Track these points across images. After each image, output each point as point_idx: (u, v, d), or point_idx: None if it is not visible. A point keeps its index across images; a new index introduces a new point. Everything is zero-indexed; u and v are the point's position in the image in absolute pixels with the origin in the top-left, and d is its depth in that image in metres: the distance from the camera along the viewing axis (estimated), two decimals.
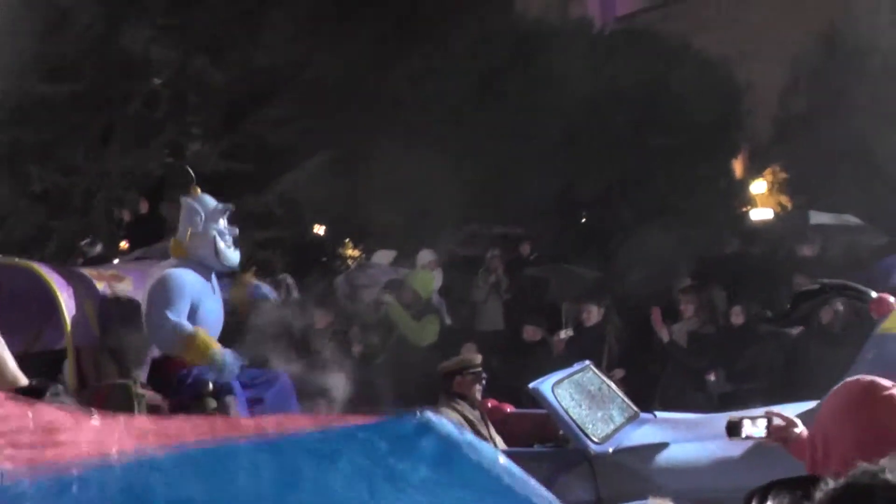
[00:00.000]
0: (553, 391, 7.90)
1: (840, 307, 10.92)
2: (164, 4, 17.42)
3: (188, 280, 8.23)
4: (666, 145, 18.83)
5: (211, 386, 7.93)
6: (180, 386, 8.04)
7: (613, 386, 8.79)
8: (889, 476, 1.65)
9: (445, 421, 1.46)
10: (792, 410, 3.59)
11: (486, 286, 14.07)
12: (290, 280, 12.97)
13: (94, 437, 1.73)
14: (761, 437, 3.21)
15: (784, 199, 24.02)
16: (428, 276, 12.29)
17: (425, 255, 14.35)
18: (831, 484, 1.70)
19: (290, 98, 17.92)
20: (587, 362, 8.86)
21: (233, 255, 8.57)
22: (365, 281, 13.17)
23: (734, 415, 3.36)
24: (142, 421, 1.87)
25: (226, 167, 17.76)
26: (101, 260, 14.85)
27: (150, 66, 17.30)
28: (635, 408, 8.64)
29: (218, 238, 8.42)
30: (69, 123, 17.43)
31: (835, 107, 19.81)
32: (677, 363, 11.67)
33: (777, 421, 3.16)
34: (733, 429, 3.21)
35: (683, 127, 19.09)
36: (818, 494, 1.71)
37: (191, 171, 8.89)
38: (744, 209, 23.80)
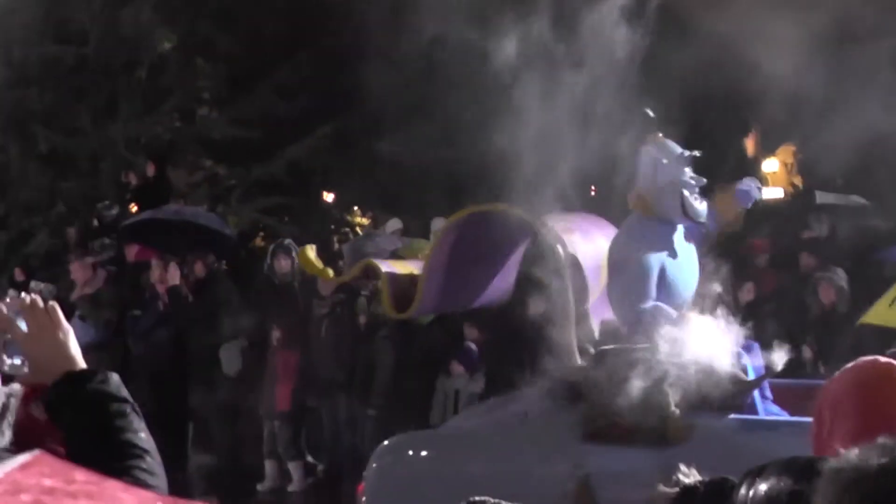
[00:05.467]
0: None
1: (844, 285, 10.84)
2: None
3: (653, 259, 7.48)
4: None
5: None
6: None
7: None
8: None
9: None
10: None
11: None
12: (294, 248, 12.94)
13: None
14: None
15: (797, 179, 23.92)
16: (426, 246, 12.13)
17: (438, 223, 14.23)
18: (837, 463, 1.64)
19: (299, 66, 17.86)
20: None
21: (701, 208, 7.63)
22: (371, 249, 13.08)
23: None
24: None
25: (234, 133, 17.75)
26: (116, 222, 14.86)
27: (157, 32, 17.27)
28: None
29: (685, 190, 7.57)
30: (76, 87, 17.43)
31: (849, 90, 19.66)
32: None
33: None
34: None
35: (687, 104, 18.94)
36: (823, 471, 1.66)
37: (652, 114, 7.98)
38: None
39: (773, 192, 25.79)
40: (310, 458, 12.26)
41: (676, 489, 2.52)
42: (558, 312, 7.61)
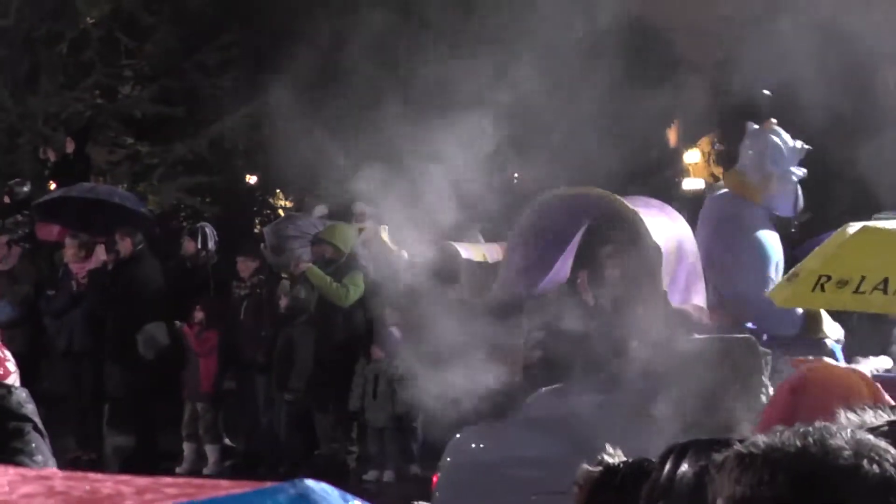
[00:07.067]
0: None
1: None
2: None
3: (769, 245, 7.25)
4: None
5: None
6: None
7: None
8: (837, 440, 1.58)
9: (328, 490, 1.32)
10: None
11: None
12: (208, 229, 12.82)
13: None
14: None
15: (718, 171, 24.17)
16: (347, 230, 12.07)
17: (359, 207, 14.16)
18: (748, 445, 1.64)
19: (223, 45, 17.67)
20: None
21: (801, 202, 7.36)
22: (293, 232, 13.02)
23: None
24: None
25: (157, 111, 17.53)
26: (29, 199, 14.63)
27: (80, 7, 17.00)
28: None
29: (798, 185, 7.27)
30: None
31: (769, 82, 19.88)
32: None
33: None
34: None
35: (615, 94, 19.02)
36: (728, 456, 1.65)
37: (767, 94, 7.72)
38: (676, 179, 23.92)
39: (694, 184, 26.06)
40: (227, 441, 12.17)
41: (600, 468, 2.53)
42: (644, 296, 7.44)
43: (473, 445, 7.64)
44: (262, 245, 13.30)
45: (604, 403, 7.03)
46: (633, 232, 7.55)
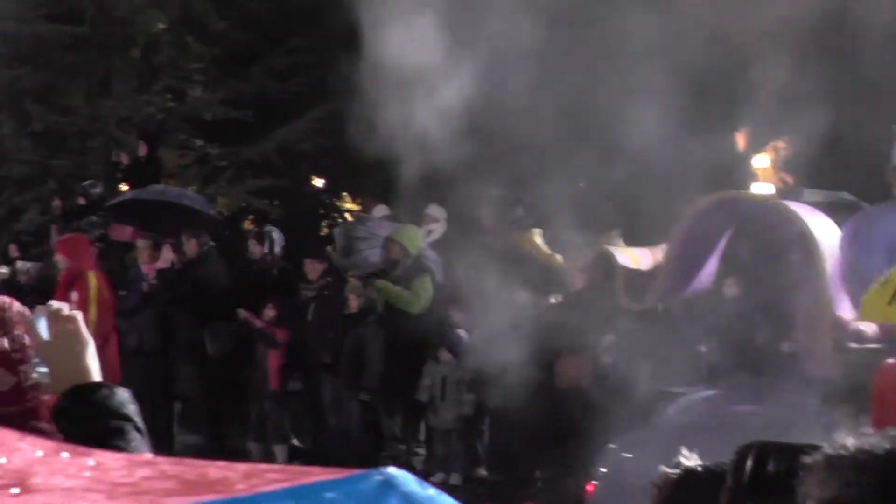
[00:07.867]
0: None
1: None
2: None
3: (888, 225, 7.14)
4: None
5: None
6: None
7: None
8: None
9: (410, 477, 1.40)
10: None
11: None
12: (275, 234, 12.92)
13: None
14: None
15: (787, 176, 23.89)
16: (414, 232, 12.10)
17: (434, 210, 14.21)
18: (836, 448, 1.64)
19: (292, 50, 17.81)
20: None
21: None
22: (363, 233, 13.11)
23: None
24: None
25: (226, 114, 17.71)
26: (102, 201, 14.86)
27: (147, 14, 17.26)
28: None
29: None
30: (70, 65, 17.41)
31: (842, 86, 19.62)
32: (670, 332, 11.63)
33: None
34: None
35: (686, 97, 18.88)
36: (818, 458, 1.66)
37: None
38: (746, 183, 23.68)
39: (763, 188, 25.79)
40: (295, 441, 12.26)
41: (678, 471, 2.54)
42: (812, 303, 7.27)
43: (625, 454, 7.64)
44: (329, 247, 13.39)
45: (763, 414, 6.87)
46: (797, 236, 7.38)
